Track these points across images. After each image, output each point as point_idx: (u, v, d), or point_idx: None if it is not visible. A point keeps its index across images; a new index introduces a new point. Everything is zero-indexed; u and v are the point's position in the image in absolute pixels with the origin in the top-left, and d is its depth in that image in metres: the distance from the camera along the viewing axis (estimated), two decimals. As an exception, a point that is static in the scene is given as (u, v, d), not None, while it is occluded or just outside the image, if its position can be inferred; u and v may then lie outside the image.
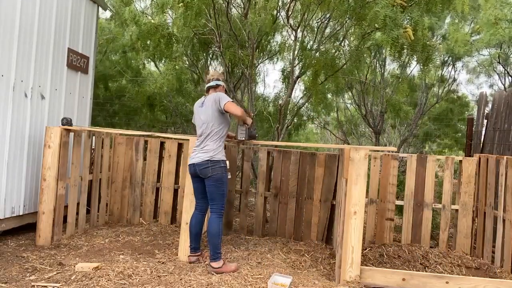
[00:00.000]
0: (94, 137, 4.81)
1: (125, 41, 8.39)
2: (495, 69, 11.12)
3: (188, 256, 3.72)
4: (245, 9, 5.96)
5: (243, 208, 5.01)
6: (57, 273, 3.23)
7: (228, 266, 3.49)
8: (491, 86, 12.11)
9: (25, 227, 4.30)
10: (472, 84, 12.83)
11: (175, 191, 5.08)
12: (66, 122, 4.15)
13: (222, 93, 3.64)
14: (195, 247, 3.71)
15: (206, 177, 3.52)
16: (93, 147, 4.92)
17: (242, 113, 3.59)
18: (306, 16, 6.32)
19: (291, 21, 6.63)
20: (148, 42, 6.47)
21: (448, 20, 9.57)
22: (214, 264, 3.45)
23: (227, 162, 3.63)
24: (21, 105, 4.10)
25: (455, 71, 9.99)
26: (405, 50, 5.15)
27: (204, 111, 3.64)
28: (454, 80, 10.23)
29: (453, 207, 4.64)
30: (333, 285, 3.29)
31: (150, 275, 3.23)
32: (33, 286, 2.99)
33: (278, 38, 8.36)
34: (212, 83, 3.77)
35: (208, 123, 3.58)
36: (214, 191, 3.53)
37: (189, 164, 3.64)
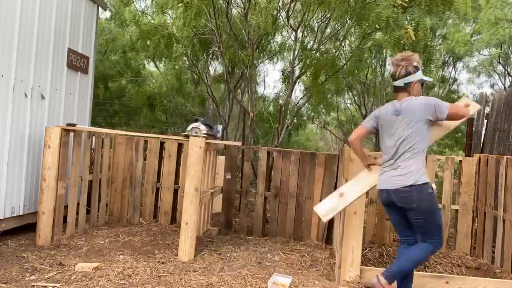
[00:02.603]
0: (94, 137, 4.81)
1: (125, 41, 8.40)
2: (495, 69, 11.12)
3: None
4: (245, 9, 5.96)
5: (243, 208, 5.01)
6: (57, 273, 3.23)
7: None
8: (491, 86, 12.10)
9: (25, 227, 4.30)
10: (473, 84, 12.83)
11: (175, 191, 5.07)
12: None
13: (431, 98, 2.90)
14: None
15: (409, 207, 2.78)
16: (93, 147, 4.92)
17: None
18: (306, 17, 6.32)
19: (291, 21, 6.63)
20: (148, 43, 6.48)
21: (449, 20, 9.58)
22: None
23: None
24: (21, 105, 4.10)
25: (455, 71, 10.00)
26: (406, 51, 5.16)
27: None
28: (455, 80, 10.23)
29: (453, 207, 4.63)
30: (333, 285, 3.29)
31: (150, 275, 3.23)
32: (33, 286, 2.98)
33: (278, 38, 8.36)
34: (399, 83, 2.87)
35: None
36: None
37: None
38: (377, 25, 5.04)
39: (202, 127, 3.89)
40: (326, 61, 6.04)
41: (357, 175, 3.18)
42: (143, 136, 5.10)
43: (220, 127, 4.24)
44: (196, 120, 4.08)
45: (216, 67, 9.05)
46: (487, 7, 8.16)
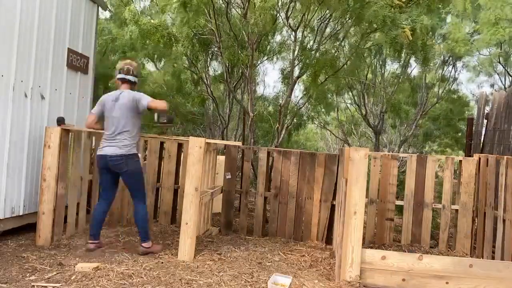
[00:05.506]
0: (94, 137, 4.81)
1: (124, 41, 8.39)
2: (495, 69, 11.12)
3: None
4: (245, 9, 5.96)
5: (243, 208, 5.01)
6: (57, 273, 3.22)
7: (156, 247, 3.90)
8: (491, 85, 12.11)
9: (25, 227, 4.30)
10: (473, 83, 12.86)
11: (175, 191, 5.07)
12: (61, 120, 4.15)
13: (140, 94, 3.88)
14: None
15: (121, 171, 3.78)
16: (93, 147, 4.92)
17: (166, 105, 3.87)
18: (306, 16, 6.32)
19: (290, 22, 6.63)
20: (148, 42, 6.48)
21: (449, 19, 9.58)
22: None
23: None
24: (21, 105, 4.09)
25: (455, 71, 9.99)
26: (404, 50, 5.18)
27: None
28: (455, 79, 10.23)
29: (453, 207, 4.64)
30: (333, 285, 3.29)
31: (150, 275, 3.22)
32: (33, 286, 2.98)
33: (278, 38, 8.36)
34: (129, 78, 3.92)
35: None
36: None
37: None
38: (374, 25, 5.05)
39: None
40: (326, 61, 6.04)
41: None
42: (143, 136, 5.10)
43: None
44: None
45: (215, 67, 9.05)
46: (487, 6, 8.17)
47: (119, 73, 3.92)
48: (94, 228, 3.85)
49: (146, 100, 3.76)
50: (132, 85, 3.93)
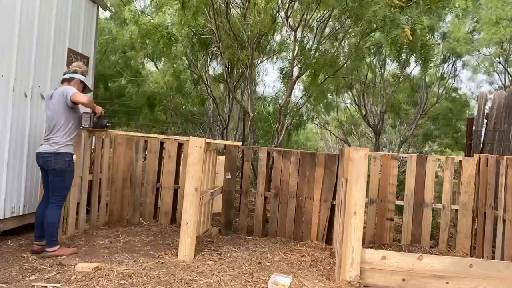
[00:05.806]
0: (94, 137, 4.81)
1: (124, 41, 8.40)
2: (495, 69, 11.12)
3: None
4: (245, 9, 5.96)
5: (243, 208, 5.01)
6: (57, 273, 3.23)
7: (65, 250, 3.71)
8: (490, 83, 12.12)
9: (25, 227, 4.30)
10: (473, 82, 12.87)
11: (175, 191, 5.07)
12: None
13: (70, 87, 3.75)
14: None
15: (49, 168, 3.70)
16: (93, 147, 4.92)
17: (89, 101, 3.78)
18: (305, 16, 6.32)
19: (290, 21, 6.63)
20: (147, 42, 6.48)
21: (448, 19, 9.59)
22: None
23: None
24: (21, 105, 4.09)
25: (455, 70, 9.99)
26: (404, 50, 5.18)
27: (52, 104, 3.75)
28: (455, 76, 10.23)
29: (453, 207, 4.63)
30: (333, 285, 3.29)
31: (150, 275, 3.22)
32: (33, 286, 2.98)
33: (277, 38, 8.36)
34: (66, 76, 3.86)
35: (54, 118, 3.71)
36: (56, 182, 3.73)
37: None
38: (374, 25, 5.05)
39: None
40: (325, 61, 6.04)
41: None
42: (143, 136, 5.10)
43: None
44: None
45: (215, 67, 9.06)
46: (488, 6, 8.19)
47: (63, 74, 3.93)
48: (38, 230, 3.72)
49: (71, 92, 3.66)
50: (69, 82, 3.84)
